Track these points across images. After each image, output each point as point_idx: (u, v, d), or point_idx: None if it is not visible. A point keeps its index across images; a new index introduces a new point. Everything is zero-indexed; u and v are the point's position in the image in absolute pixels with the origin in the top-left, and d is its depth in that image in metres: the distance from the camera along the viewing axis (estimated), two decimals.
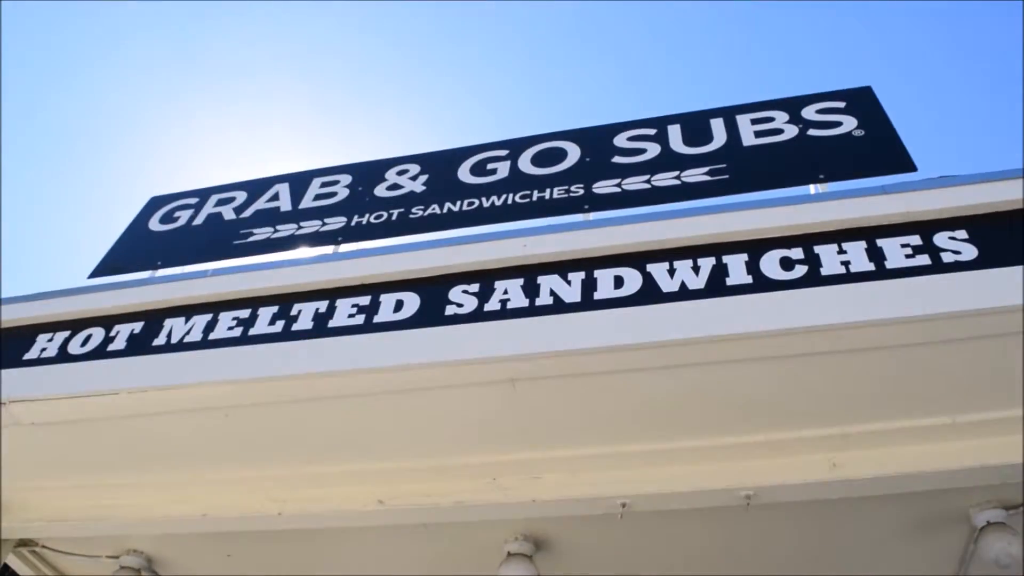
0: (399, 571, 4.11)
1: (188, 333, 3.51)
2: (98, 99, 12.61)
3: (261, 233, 4.38)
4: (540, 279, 3.20)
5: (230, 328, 3.46)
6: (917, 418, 3.07)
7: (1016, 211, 2.97)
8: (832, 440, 3.13)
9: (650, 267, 3.12)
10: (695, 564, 3.88)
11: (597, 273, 3.17)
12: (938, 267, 2.87)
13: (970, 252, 2.89)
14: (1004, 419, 3.04)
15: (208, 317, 3.56)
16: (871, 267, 2.93)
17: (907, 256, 2.93)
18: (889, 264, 2.92)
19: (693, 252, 3.14)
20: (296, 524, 3.61)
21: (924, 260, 2.91)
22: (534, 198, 3.97)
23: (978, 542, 3.36)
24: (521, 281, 3.22)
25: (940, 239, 2.97)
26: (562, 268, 3.23)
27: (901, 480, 3.12)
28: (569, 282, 3.16)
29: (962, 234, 2.97)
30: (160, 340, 3.52)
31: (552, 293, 3.13)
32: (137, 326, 3.60)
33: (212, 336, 3.46)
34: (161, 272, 4.22)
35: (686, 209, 3.51)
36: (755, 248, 3.10)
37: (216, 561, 4.11)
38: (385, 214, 4.19)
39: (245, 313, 3.51)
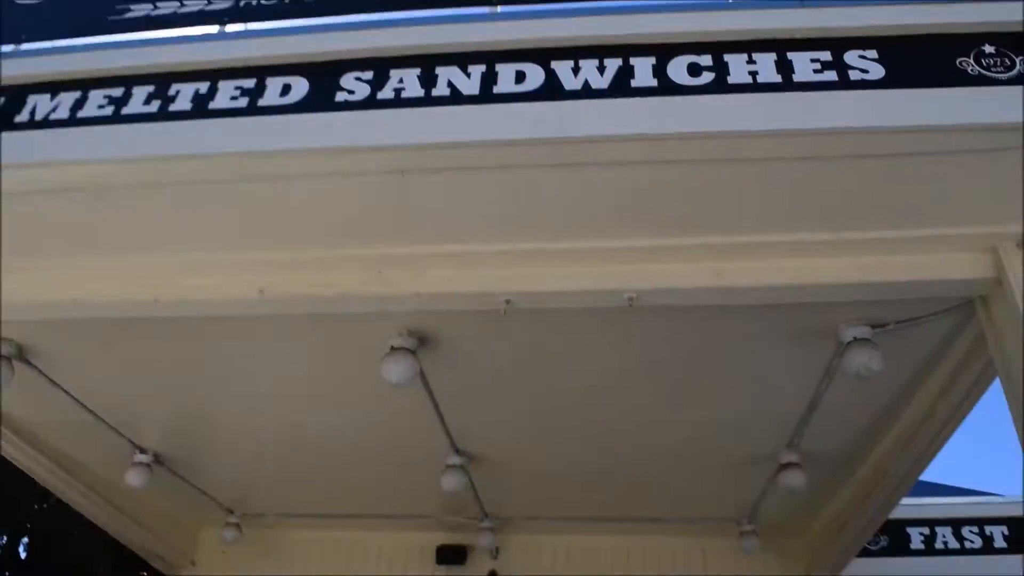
0: (281, 363, 4.14)
1: (54, 111, 3.26)
2: None
3: (139, 9, 3.99)
4: (438, 70, 3.06)
5: (100, 107, 3.23)
6: (802, 232, 3.13)
7: (926, 35, 2.94)
8: (719, 249, 3.18)
9: (554, 64, 3.01)
10: (580, 363, 4.03)
11: (499, 67, 3.03)
12: (844, 84, 2.86)
13: (878, 72, 2.87)
14: (883, 239, 3.13)
15: (77, 95, 3.30)
16: (778, 79, 2.89)
17: (815, 71, 2.90)
18: (797, 77, 2.89)
19: (600, 52, 3.03)
20: (173, 311, 3.53)
21: (831, 76, 2.88)
22: None
23: (843, 355, 3.55)
24: (418, 71, 3.07)
25: (850, 57, 2.93)
26: (462, 60, 3.07)
27: (780, 291, 3.22)
28: (469, 75, 3.02)
29: (872, 53, 2.93)
30: (23, 117, 3.26)
31: (450, 84, 3.00)
32: None
33: (81, 114, 3.22)
34: (26, 46, 3.83)
35: (595, 8, 3.34)
36: (663, 52, 3.00)
37: (92, 350, 4.01)
38: None
39: (118, 92, 3.27)
